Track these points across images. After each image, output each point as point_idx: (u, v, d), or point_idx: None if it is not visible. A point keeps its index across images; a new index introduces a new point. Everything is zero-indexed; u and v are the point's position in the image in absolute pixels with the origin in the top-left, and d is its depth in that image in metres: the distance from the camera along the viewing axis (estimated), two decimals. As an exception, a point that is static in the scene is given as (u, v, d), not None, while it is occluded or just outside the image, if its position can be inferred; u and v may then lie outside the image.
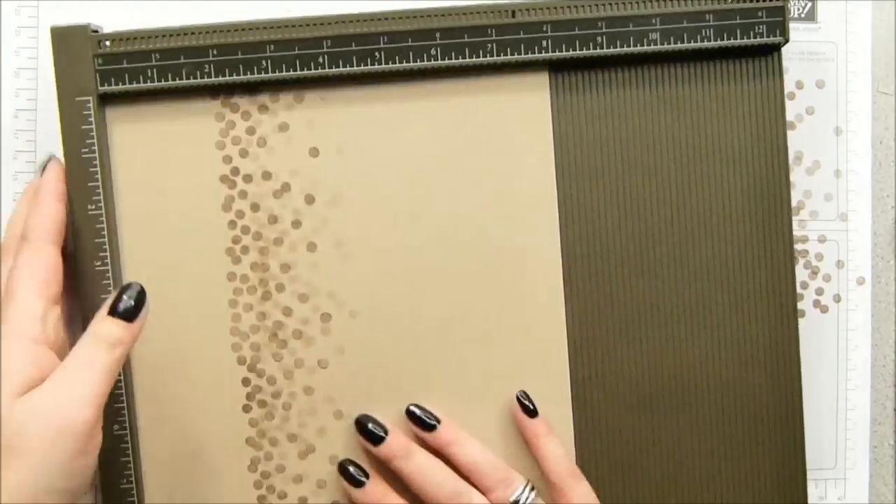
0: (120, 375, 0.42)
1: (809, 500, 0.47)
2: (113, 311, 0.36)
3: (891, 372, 0.50)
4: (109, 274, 0.41)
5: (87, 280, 0.41)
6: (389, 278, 0.44)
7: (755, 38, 0.43)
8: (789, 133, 0.47)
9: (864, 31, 0.49)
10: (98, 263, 0.41)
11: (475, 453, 0.42)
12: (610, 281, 0.44)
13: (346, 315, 0.43)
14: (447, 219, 0.44)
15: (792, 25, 0.47)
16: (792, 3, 0.48)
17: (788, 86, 0.48)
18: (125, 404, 0.42)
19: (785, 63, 0.47)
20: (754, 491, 0.45)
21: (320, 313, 0.43)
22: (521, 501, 0.41)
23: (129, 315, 0.36)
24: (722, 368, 0.45)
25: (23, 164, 0.45)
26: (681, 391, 0.45)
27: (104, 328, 0.36)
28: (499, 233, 0.44)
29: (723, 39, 0.43)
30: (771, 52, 0.44)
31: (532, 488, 0.42)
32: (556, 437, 0.43)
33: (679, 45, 0.43)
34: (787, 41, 0.43)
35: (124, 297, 0.36)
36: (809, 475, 0.48)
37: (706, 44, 0.43)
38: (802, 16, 0.48)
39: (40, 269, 0.38)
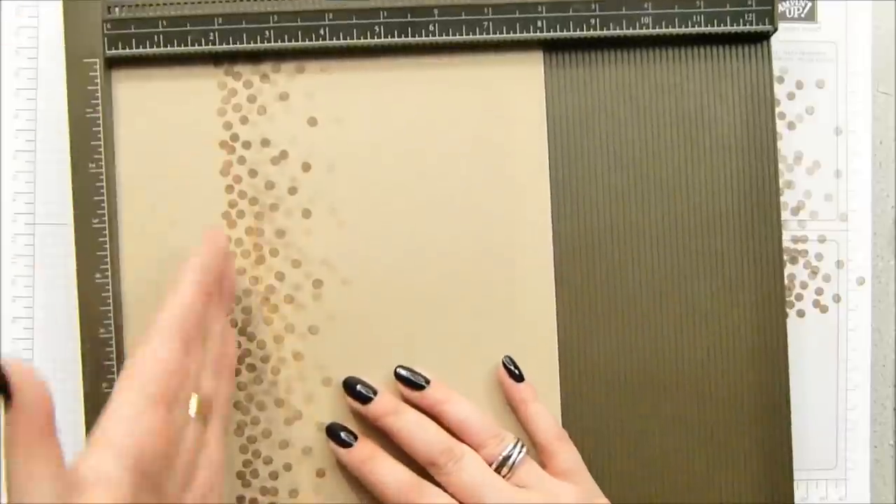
0: (110, 334, 0.44)
1: (811, 501, 0.48)
2: None
3: (891, 372, 0.51)
4: (106, 231, 0.44)
5: (84, 235, 0.44)
6: (382, 247, 0.46)
7: (744, 25, 0.46)
8: (789, 133, 0.50)
9: (864, 31, 0.50)
10: (96, 221, 0.44)
11: (466, 411, 0.43)
12: (600, 258, 0.46)
13: (338, 282, 0.45)
14: (441, 191, 0.46)
15: (792, 25, 0.50)
16: (792, 3, 0.50)
17: (788, 86, 0.50)
18: (115, 361, 0.44)
19: (785, 63, 0.50)
20: (739, 488, 0.46)
21: (312, 279, 0.45)
22: (511, 457, 0.42)
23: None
24: (709, 360, 0.47)
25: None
26: (666, 381, 0.46)
27: None
28: (491, 206, 0.46)
29: (713, 26, 0.46)
30: (761, 39, 0.47)
31: (522, 446, 0.43)
32: (541, 402, 0.45)
33: (670, 30, 0.46)
34: (775, 30, 0.46)
35: None
36: (810, 476, 0.49)
37: (696, 29, 0.46)
38: (802, 16, 0.50)
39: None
